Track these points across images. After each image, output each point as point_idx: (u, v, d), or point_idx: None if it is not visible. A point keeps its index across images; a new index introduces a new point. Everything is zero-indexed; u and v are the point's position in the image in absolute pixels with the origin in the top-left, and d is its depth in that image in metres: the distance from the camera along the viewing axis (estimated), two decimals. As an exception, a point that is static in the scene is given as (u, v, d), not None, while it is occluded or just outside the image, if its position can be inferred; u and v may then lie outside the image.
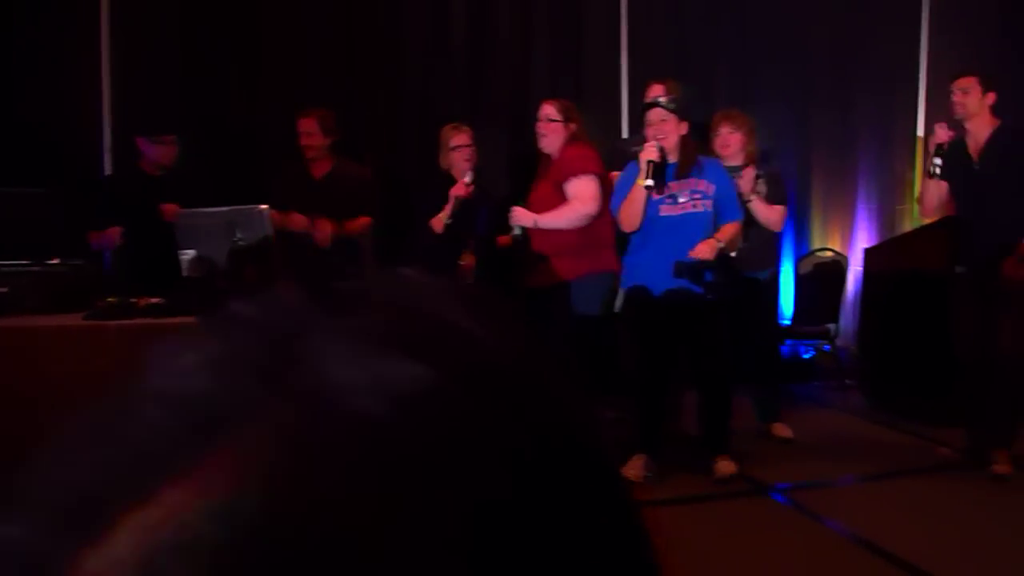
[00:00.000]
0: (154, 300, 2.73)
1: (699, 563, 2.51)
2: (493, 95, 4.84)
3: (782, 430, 3.90)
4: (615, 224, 3.40)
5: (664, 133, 3.17)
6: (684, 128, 3.23)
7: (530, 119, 3.66)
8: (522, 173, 3.92)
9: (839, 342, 5.13)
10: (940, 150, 3.38)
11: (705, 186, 3.23)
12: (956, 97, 3.37)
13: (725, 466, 3.26)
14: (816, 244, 5.55)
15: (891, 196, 5.74)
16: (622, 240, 3.43)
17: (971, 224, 3.40)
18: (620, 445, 3.54)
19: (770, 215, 3.71)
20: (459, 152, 3.75)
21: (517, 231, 3.50)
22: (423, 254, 3.83)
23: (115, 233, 3.42)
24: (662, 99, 3.22)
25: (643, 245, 3.28)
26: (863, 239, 5.62)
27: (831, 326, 5.00)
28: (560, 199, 3.41)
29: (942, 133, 3.39)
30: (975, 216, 3.38)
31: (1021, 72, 5.15)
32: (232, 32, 4.54)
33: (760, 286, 3.89)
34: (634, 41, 5.09)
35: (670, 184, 3.22)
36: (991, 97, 3.34)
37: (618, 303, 3.43)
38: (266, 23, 4.58)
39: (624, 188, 3.25)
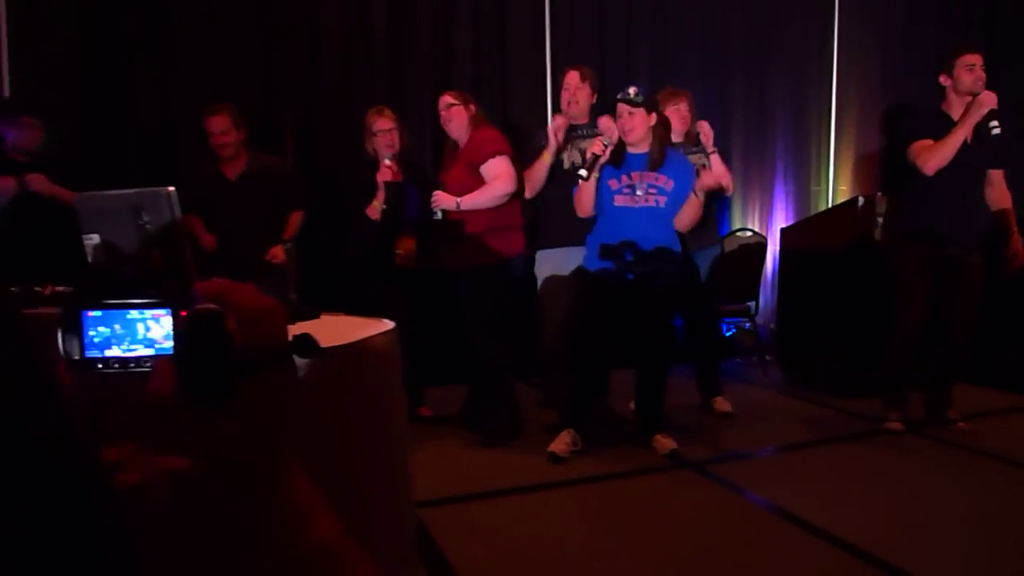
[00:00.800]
0: (60, 288, 2.59)
1: (619, 537, 2.55)
2: (415, 80, 4.76)
3: (722, 404, 4.06)
4: (525, 207, 3.66)
5: (632, 126, 3.24)
6: (652, 119, 3.28)
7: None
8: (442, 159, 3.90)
9: (759, 319, 5.27)
10: (993, 114, 3.32)
11: (664, 181, 3.28)
12: (977, 73, 3.41)
13: (663, 443, 3.36)
14: (736, 224, 5.69)
15: (806, 177, 5.93)
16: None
17: (956, 200, 3.47)
18: (547, 427, 3.60)
19: (725, 174, 3.87)
20: (382, 136, 3.72)
21: (438, 215, 3.53)
22: (362, 242, 3.83)
23: None
24: (630, 92, 3.25)
25: (599, 230, 3.39)
26: (780, 219, 5.80)
27: (751, 304, 5.14)
28: (474, 180, 3.49)
29: (988, 100, 3.32)
30: (959, 193, 3.47)
31: (924, 52, 5.38)
32: (139, 15, 4.31)
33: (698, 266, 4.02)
34: (556, 25, 5.08)
35: (632, 174, 3.29)
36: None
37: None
38: (176, 7, 4.36)
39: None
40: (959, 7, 5.54)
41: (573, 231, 3.61)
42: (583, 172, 3.23)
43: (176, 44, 4.35)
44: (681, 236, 3.64)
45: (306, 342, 0.51)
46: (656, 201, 3.28)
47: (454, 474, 3.20)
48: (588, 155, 3.25)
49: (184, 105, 4.22)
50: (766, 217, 5.85)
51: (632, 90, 3.25)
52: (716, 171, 3.77)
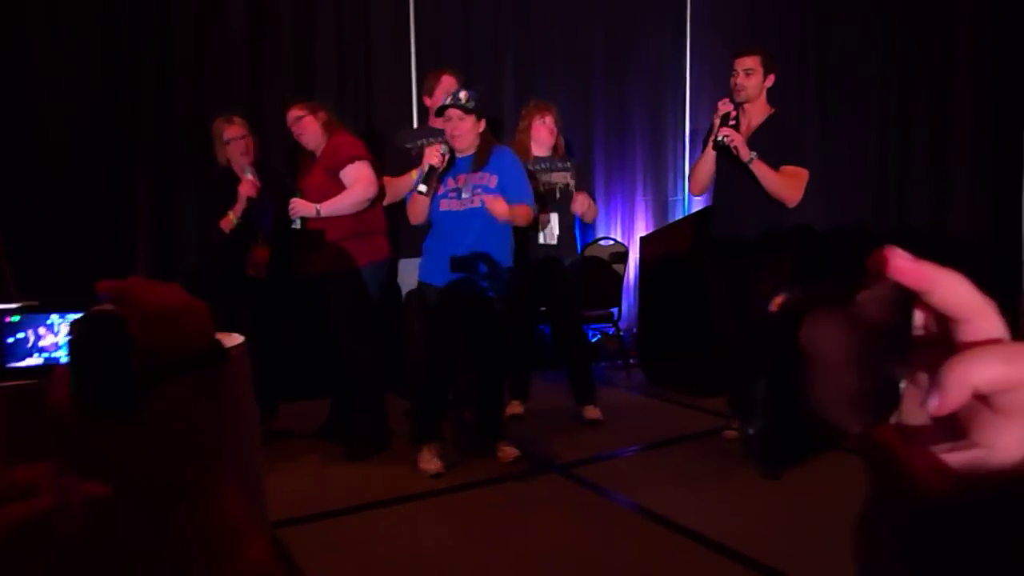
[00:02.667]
0: None
1: (486, 545, 2.55)
2: (274, 85, 4.58)
3: (591, 412, 4.07)
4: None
5: (461, 132, 3.17)
6: (482, 126, 3.24)
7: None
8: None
9: (622, 325, 5.45)
10: (727, 120, 3.21)
11: (488, 179, 3.22)
12: (739, 79, 3.26)
13: (507, 451, 3.37)
14: (600, 233, 5.86)
15: (664, 188, 6.20)
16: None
17: (731, 207, 3.35)
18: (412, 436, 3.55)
19: (590, 209, 3.99)
20: (234, 145, 3.61)
21: (296, 223, 3.44)
22: (212, 252, 3.69)
23: None
24: (461, 97, 3.18)
25: (431, 238, 3.32)
26: (641, 228, 6.03)
27: (614, 310, 5.30)
28: (334, 186, 3.42)
29: (724, 106, 3.22)
30: (735, 201, 3.32)
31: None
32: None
33: (567, 271, 4.06)
34: (422, 34, 5.04)
35: (457, 178, 3.23)
36: (770, 79, 3.30)
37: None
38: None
39: (419, 180, 3.25)
40: (797, 21, 5.94)
41: None
42: (422, 188, 3.14)
43: (14, 42, 3.98)
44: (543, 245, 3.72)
45: (214, 347, 0.46)
46: (481, 201, 3.20)
47: (318, 491, 3.09)
48: (424, 166, 3.17)
49: (18, 106, 3.86)
50: (628, 226, 6.07)
51: (463, 95, 3.19)
52: (580, 206, 3.91)
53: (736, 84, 3.26)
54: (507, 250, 3.33)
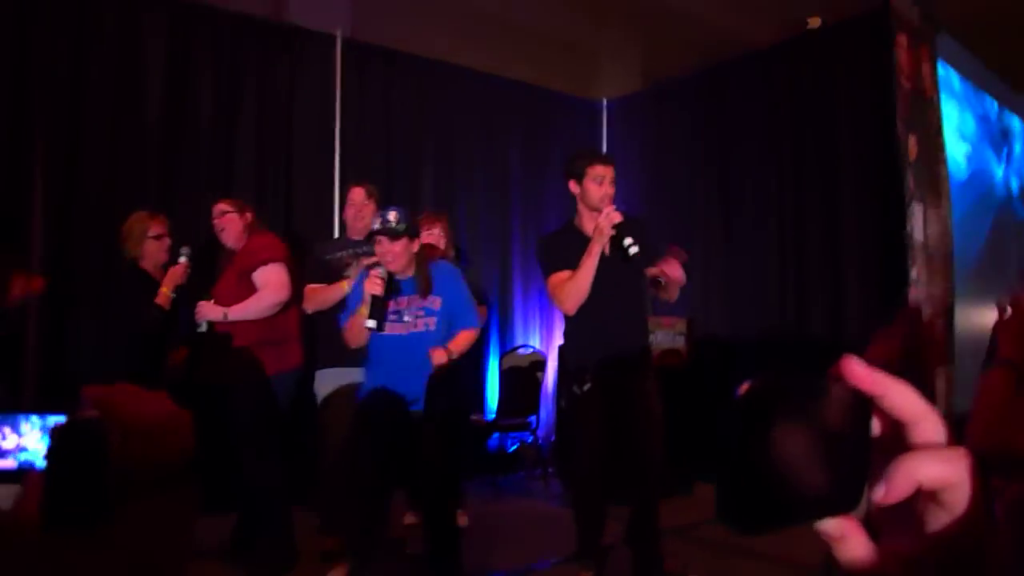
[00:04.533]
0: None
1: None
2: (190, 182, 4.53)
3: (460, 519, 3.98)
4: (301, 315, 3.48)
5: (394, 255, 3.00)
6: (416, 246, 3.09)
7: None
8: (208, 267, 3.68)
9: (540, 433, 5.43)
10: (624, 228, 2.96)
11: (431, 301, 3.11)
12: (607, 188, 3.10)
13: None
14: (518, 341, 5.91)
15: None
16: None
17: (598, 327, 3.08)
18: (324, 554, 3.36)
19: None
20: (162, 241, 3.55)
21: (203, 326, 3.31)
22: (129, 347, 3.50)
23: None
24: (391, 219, 3.00)
25: (373, 360, 3.14)
26: (559, 336, 6.11)
27: (532, 419, 5.29)
28: (245, 289, 3.32)
29: (616, 214, 2.97)
30: (613, 314, 3.08)
31: (685, 170, 6.07)
32: None
33: (462, 378, 4.03)
34: (345, 138, 5.13)
35: (399, 300, 3.10)
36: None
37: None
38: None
39: (355, 299, 3.11)
40: (701, 139, 6.34)
41: (351, 351, 3.54)
42: (371, 324, 2.93)
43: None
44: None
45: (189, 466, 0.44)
46: (426, 325, 3.08)
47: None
48: (367, 298, 2.96)
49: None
50: (547, 334, 6.15)
51: (392, 216, 3.00)
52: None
53: (607, 194, 3.09)
54: (459, 365, 3.21)
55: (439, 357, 2.99)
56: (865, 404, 0.38)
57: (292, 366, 3.43)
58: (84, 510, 0.39)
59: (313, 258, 3.76)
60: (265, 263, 3.33)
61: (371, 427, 3.08)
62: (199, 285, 3.54)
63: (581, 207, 3.17)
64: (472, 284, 3.97)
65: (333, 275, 3.59)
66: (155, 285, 3.46)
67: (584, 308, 3.02)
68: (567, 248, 3.08)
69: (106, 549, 0.39)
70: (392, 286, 3.04)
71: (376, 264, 3.04)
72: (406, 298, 3.10)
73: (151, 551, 0.41)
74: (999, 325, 1.44)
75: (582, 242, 3.03)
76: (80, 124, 4.21)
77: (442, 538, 3.15)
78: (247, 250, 3.40)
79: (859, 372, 0.38)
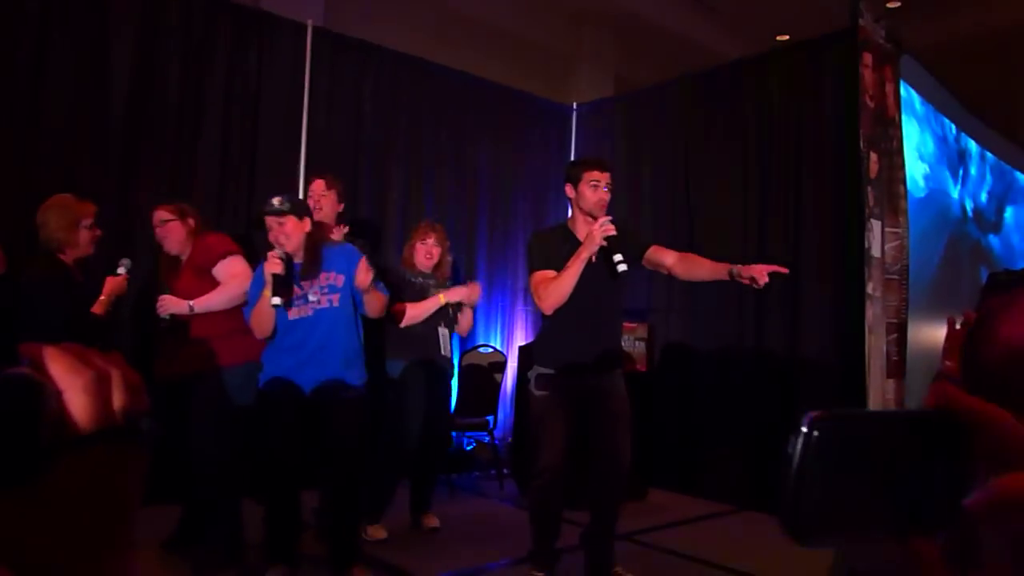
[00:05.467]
0: None
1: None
2: (153, 164, 4.43)
3: (431, 520, 4.03)
4: None
5: (286, 236, 3.04)
6: (307, 225, 3.12)
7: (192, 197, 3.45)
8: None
9: (497, 434, 5.41)
10: (616, 242, 2.95)
11: (334, 278, 3.14)
12: (603, 194, 3.10)
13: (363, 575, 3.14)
14: (480, 340, 5.89)
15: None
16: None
17: (589, 331, 3.11)
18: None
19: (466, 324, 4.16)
20: (93, 232, 3.32)
21: (165, 319, 3.26)
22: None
23: None
24: (275, 203, 3.06)
25: (282, 346, 3.13)
26: (520, 337, 6.12)
27: (490, 418, 5.28)
28: (208, 285, 3.30)
29: (610, 227, 2.94)
30: (586, 322, 3.09)
31: (645, 183, 6.12)
32: None
33: (448, 384, 4.10)
34: (312, 140, 5.06)
35: (302, 284, 3.11)
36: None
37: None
38: None
39: (255, 292, 3.11)
40: (669, 149, 6.40)
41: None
42: (276, 300, 2.95)
43: None
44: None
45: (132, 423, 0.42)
46: (330, 301, 3.11)
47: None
48: (267, 277, 2.98)
49: None
50: (508, 335, 6.15)
51: (276, 200, 3.08)
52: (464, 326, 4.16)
53: (602, 199, 3.10)
54: (359, 347, 3.24)
55: (364, 274, 3.06)
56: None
57: (256, 356, 3.34)
58: (13, 465, 0.38)
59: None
60: (225, 256, 3.32)
61: (275, 416, 3.08)
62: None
63: (576, 211, 3.18)
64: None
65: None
66: (78, 285, 3.21)
67: (563, 309, 3.01)
68: (557, 248, 3.08)
69: (35, 509, 0.38)
70: (291, 268, 3.06)
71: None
72: (307, 281, 3.12)
73: (86, 512, 0.40)
74: (946, 340, 1.48)
75: (573, 245, 3.04)
76: (40, 99, 4.08)
77: (342, 527, 3.14)
78: (202, 247, 3.36)
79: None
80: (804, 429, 0.37)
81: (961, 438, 0.37)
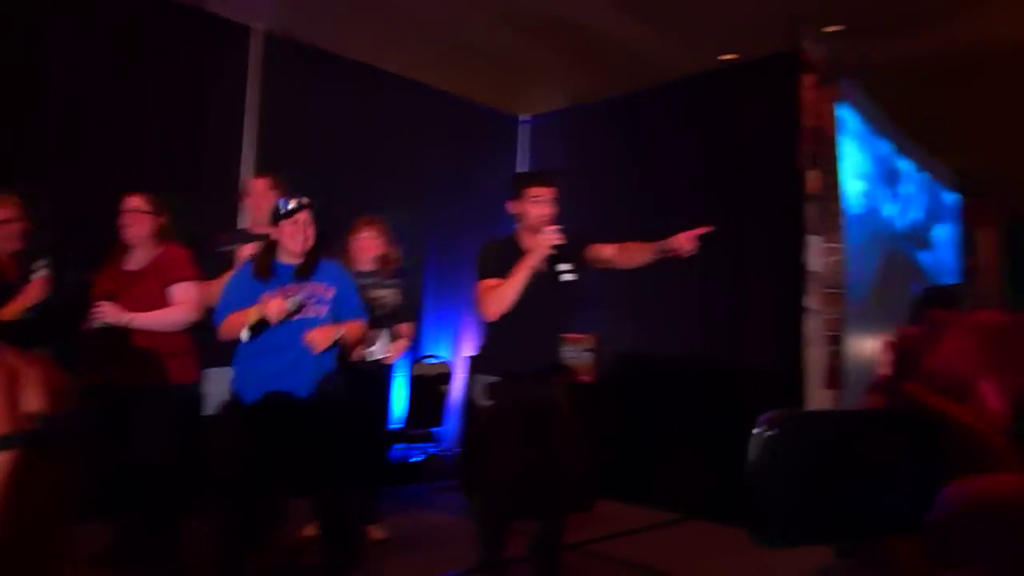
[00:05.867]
0: None
1: None
2: (91, 165, 4.29)
3: (376, 532, 3.98)
4: None
5: (307, 236, 3.07)
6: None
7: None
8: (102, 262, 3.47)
9: (445, 445, 5.38)
10: (562, 251, 2.98)
11: (324, 290, 3.12)
12: (546, 208, 3.11)
13: None
14: (427, 350, 5.86)
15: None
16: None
17: (517, 337, 3.08)
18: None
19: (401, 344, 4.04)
20: (10, 227, 3.27)
21: (98, 324, 3.16)
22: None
23: None
24: (292, 203, 3.07)
25: (253, 350, 3.03)
26: (468, 348, 6.10)
27: (437, 430, 5.24)
28: (161, 298, 3.26)
29: (555, 235, 2.97)
30: (530, 331, 3.09)
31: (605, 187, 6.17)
32: None
33: (386, 390, 4.02)
34: (262, 139, 4.98)
35: (290, 287, 3.06)
36: None
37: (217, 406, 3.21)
38: None
39: (232, 299, 3.04)
40: (617, 167, 6.48)
41: None
42: (245, 335, 2.94)
43: None
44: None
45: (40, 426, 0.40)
46: (316, 312, 3.08)
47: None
48: (263, 311, 2.94)
49: None
50: (454, 346, 6.12)
51: (292, 201, 3.08)
52: (397, 348, 4.02)
53: (542, 214, 3.09)
54: (331, 359, 3.18)
55: (318, 337, 2.98)
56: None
57: (197, 378, 3.40)
58: None
59: (206, 250, 3.66)
60: (184, 279, 3.29)
61: (258, 427, 3.00)
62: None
63: (521, 226, 3.18)
64: (406, 299, 4.02)
65: (224, 267, 3.53)
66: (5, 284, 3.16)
67: (506, 317, 3.02)
68: (505, 259, 3.08)
69: None
70: (264, 266, 3.07)
71: (294, 295, 3.01)
72: (298, 286, 3.08)
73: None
74: (883, 353, 1.53)
75: (521, 255, 3.05)
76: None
77: (341, 544, 3.11)
78: (171, 259, 3.30)
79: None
80: (760, 429, 0.37)
81: (928, 437, 0.38)
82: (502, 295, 3.00)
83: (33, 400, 0.41)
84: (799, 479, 0.38)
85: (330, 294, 3.13)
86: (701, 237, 2.87)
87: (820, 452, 0.39)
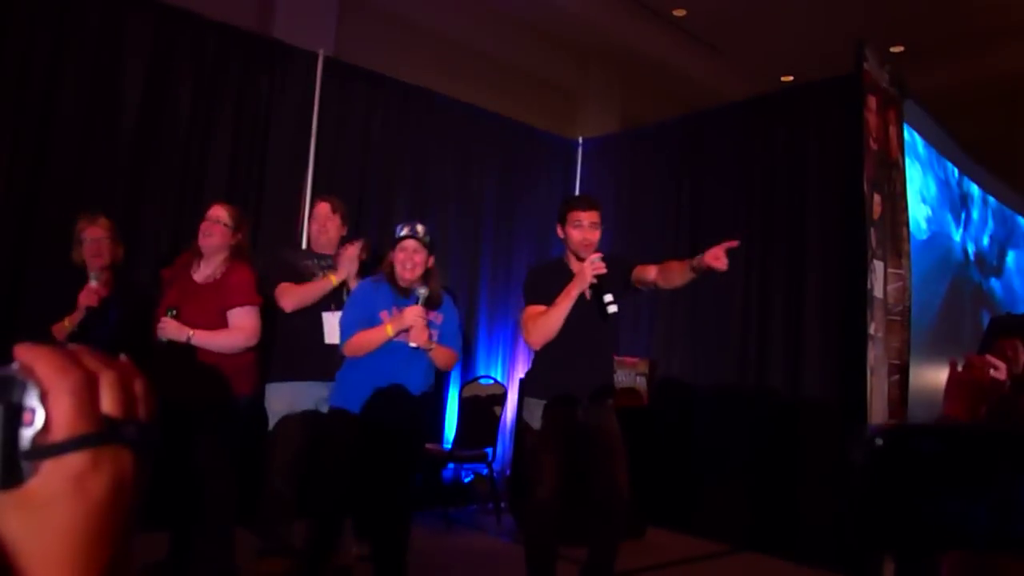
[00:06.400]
0: None
1: None
2: (160, 187, 4.45)
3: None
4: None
5: (414, 264, 3.13)
6: (431, 261, 3.21)
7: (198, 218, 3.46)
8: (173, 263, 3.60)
9: (495, 467, 5.37)
10: (607, 281, 2.97)
11: (435, 316, 3.20)
12: (588, 233, 3.13)
13: None
14: (480, 371, 5.87)
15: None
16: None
17: (565, 364, 3.11)
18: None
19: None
20: (90, 246, 3.43)
21: (162, 341, 3.24)
22: None
23: None
24: (419, 229, 3.16)
25: (362, 364, 3.12)
26: (521, 369, 6.10)
27: (488, 450, 5.24)
28: (220, 317, 3.30)
29: (600, 264, 2.96)
30: (577, 356, 3.12)
31: (652, 210, 6.14)
32: None
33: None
34: (321, 162, 5.10)
35: (430, 314, 3.18)
36: None
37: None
38: None
39: (359, 312, 3.14)
40: (674, 182, 6.43)
41: (307, 364, 3.53)
42: (414, 344, 3.05)
43: None
44: None
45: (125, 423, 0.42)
46: (430, 338, 3.14)
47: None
48: (397, 327, 3.05)
49: None
50: (508, 366, 6.12)
51: (420, 228, 3.17)
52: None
53: (586, 239, 3.13)
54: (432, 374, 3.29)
55: (421, 333, 3.04)
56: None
57: (252, 391, 3.45)
58: None
59: (281, 259, 3.75)
60: (243, 304, 3.32)
61: (375, 444, 3.06)
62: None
63: (568, 250, 3.23)
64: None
65: (301, 280, 3.63)
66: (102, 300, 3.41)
67: (554, 341, 3.04)
68: (551, 284, 3.09)
69: (16, 514, 0.37)
70: (402, 290, 3.16)
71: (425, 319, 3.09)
72: (430, 312, 3.16)
73: (65, 519, 0.38)
74: (948, 383, 1.48)
75: (567, 279, 3.05)
76: (51, 120, 4.12)
77: (394, 569, 3.11)
78: (228, 283, 3.34)
79: None
80: (869, 437, 0.37)
81: None
82: (546, 324, 3.02)
83: (108, 403, 0.42)
84: (905, 489, 0.38)
85: (439, 320, 3.22)
86: (729, 252, 2.82)
87: (928, 464, 0.39)
